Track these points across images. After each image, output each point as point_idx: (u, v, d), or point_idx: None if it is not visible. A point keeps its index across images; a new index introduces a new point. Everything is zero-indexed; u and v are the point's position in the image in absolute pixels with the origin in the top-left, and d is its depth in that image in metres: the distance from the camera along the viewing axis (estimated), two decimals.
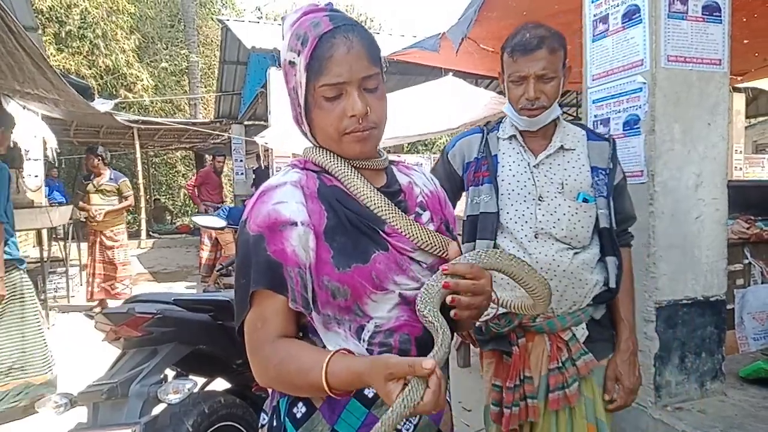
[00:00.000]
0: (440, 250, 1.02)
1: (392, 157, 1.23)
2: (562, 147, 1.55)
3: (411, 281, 0.98)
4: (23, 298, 3.26)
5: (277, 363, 0.90)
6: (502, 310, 1.47)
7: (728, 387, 2.40)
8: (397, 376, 0.74)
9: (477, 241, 1.57)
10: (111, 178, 5.94)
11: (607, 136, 1.63)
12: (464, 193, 1.69)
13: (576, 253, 1.50)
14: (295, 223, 0.92)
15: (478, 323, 1.58)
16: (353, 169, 1.00)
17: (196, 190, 8.24)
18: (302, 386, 0.88)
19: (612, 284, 1.51)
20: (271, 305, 0.92)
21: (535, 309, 1.11)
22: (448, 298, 0.89)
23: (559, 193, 1.51)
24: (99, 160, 5.92)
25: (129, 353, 2.25)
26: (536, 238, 1.50)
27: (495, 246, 1.53)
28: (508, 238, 1.54)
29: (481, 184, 1.58)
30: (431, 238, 1.01)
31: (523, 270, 1.01)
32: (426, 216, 1.08)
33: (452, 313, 0.90)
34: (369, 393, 0.95)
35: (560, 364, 1.49)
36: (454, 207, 1.81)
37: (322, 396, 0.92)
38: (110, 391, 2.05)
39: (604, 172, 1.54)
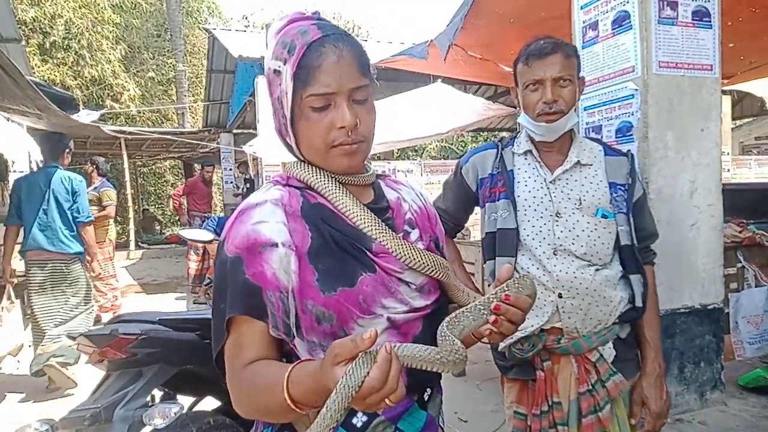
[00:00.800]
0: (431, 270, 0.97)
1: (381, 165, 1.18)
2: (578, 162, 1.51)
3: (399, 304, 0.93)
4: (82, 287, 3.81)
5: (249, 384, 0.84)
6: (521, 334, 1.42)
7: (728, 396, 2.37)
8: (343, 356, 0.68)
9: (497, 258, 1.52)
10: (95, 188, 5.84)
11: (625, 151, 1.58)
12: (479, 210, 1.65)
13: (597, 270, 1.45)
14: (275, 244, 0.86)
15: (500, 348, 1.53)
16: (339, 185, 0.95)
17: (183, 200, 8.17)
18: (271, 405, 0.79)
19: (638, 303, 1.46)
20: (249, 332, 0.86)
21: None
22: (491, 318, 0.83)
23: (577, 209, 1.47)
24: (93, 168, 5.84)
25: (113, 376, 2.17)
26: (555, 255, 1.46)
27: (515, 263, 1.48)
28: (526, 255, 1.49)
29: (498, 200, 1.53)
30: (422, 258, 0.96)
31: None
32: (415, 234, 1.03)
33: (486, 331, 0.84)
34: (357, 422, 0.90)
35: (590, 387, 1.42)
36: (466, 221, 1.77)
37: (294, 419, 0.86)
38: (93, 417, 1.97)
39: (622, 188, 1.49)
